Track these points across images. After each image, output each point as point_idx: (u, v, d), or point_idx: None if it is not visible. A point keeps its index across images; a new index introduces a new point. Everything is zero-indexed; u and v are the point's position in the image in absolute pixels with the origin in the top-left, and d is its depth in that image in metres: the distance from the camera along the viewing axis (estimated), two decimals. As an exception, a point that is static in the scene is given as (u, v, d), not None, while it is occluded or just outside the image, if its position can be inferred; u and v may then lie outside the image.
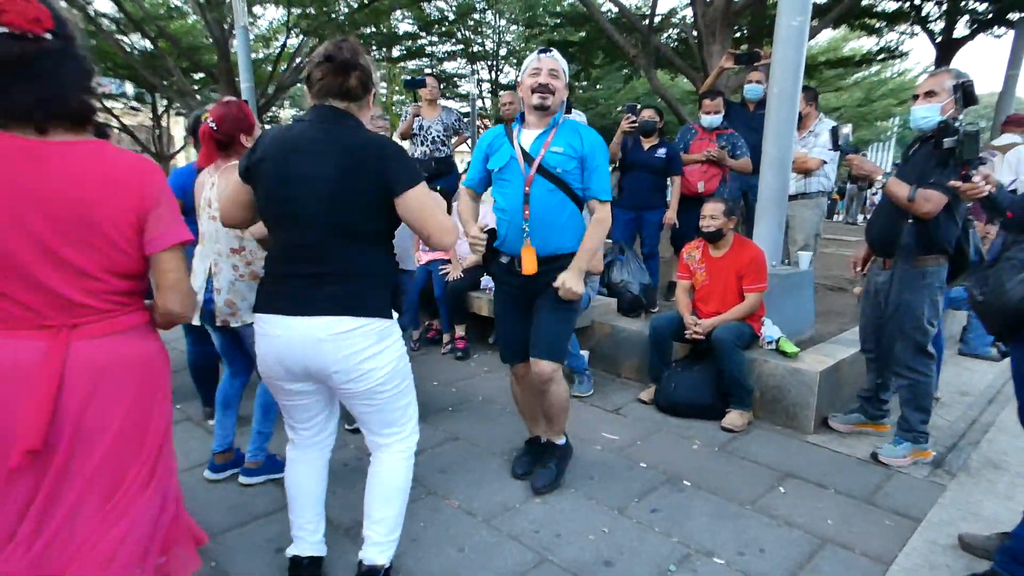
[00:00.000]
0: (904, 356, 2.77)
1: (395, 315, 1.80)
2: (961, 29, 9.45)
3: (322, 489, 1.99)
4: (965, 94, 2.50)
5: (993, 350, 4.42)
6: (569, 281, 2.21)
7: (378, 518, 1.87)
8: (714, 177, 4.46)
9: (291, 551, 1.95)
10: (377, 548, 1.87)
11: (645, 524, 2.32)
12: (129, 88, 15.58)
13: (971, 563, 2.07)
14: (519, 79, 2.37)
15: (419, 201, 1.69)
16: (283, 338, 1.69)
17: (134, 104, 15.99)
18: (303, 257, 1.69)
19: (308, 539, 1.94)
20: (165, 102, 16.04)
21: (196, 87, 13.04)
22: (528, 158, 2.30)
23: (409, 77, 5.23)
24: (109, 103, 15.30)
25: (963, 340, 4.65)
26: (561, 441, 2.64)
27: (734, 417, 3.16)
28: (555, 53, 2.30)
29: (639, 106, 4.43)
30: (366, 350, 1.70)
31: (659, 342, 3.46)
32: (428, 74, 5.00)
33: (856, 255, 3.14)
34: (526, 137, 2.35)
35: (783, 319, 3.46)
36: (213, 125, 2.24)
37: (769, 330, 3.38)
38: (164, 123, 16.68)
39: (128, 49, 11.32)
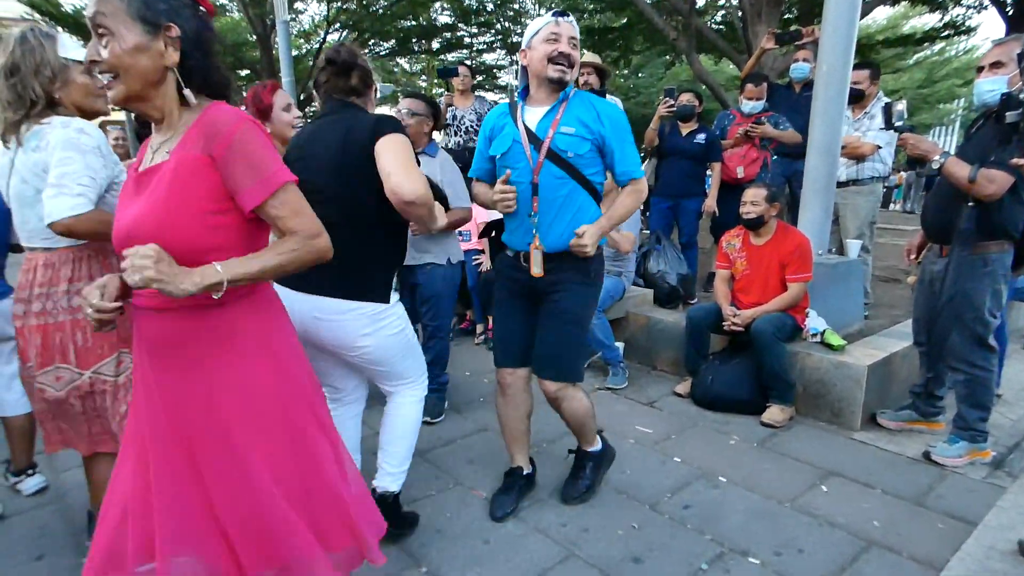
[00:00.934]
0: (962, 349, 2.59)
1: (395, 296, 1.89)
2: (1035, 0, 8.79)
3: (355, 443, 2.10)
4: None
5: (1063, 344, 4.12)
6: (588, 236, 1.96)
7: (392, 451, 2.05)
8: (754, 162, 4.28)
9: None
10: (390, 477, 2.05)
11: (677, 521, 2.24)
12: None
13: (1033, 572, 1.92)
14: (526, 45, 2.02)
15: (391, 144, 1.72)
16: (289, 310, 1.65)
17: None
18: None
19: None
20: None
21: (241, 84, 13.40)
22: (535, 140, 2.00)
23: (443, 67, 5.22)
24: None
25: (1030, 334, 4.34)
26: (596, 447, 2.39)
27: (774, 412, 3.03)
28: (572, 18, 2.00)
29: (677, 90, 4.29)
30: (359, 331, 1.79)
31: (696, 334, 3.34)
32: (461, 63, 4.96)
33: (911, 242, 2.95)
34: (531, 116, 2.03)
35: (829, 310, 3.30)
36: (243, 107, 2.29)
37: (814, 322, 3.22)
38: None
39: (177, 47, 11.70)
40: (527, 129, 2.02)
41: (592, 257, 2.07)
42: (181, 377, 1.22)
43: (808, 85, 4.13)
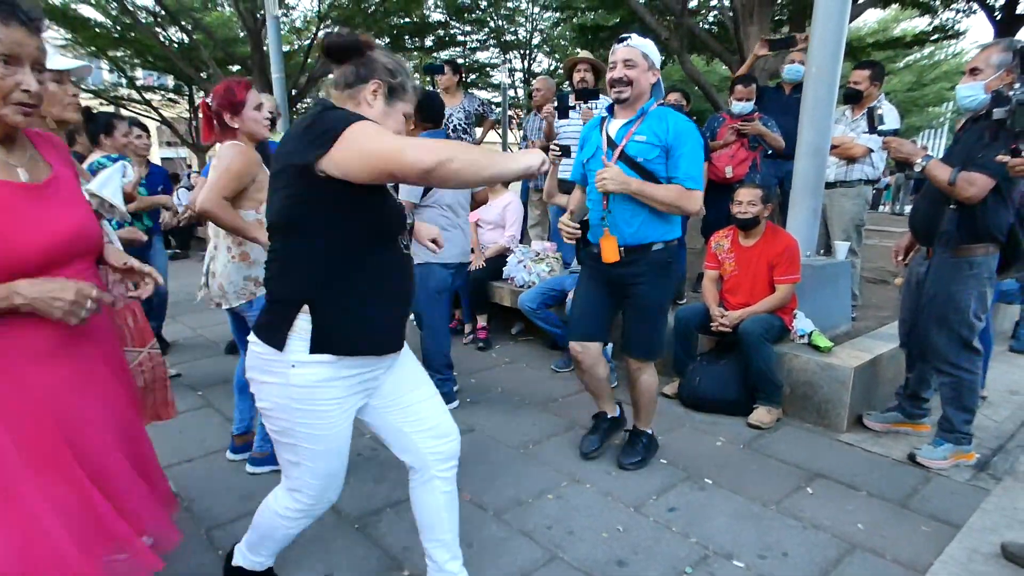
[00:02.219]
0: (948, 351, 2.59)
1: (296, 351, 1.37)
2: None
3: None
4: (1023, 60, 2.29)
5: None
6: (610, 172, 2.21)
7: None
8: (743, 162, 4.27)
9: None
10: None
11: (662, 523, 2.23)
12: (169, 81, 16.02)
13: (1014, 574, 1.92)
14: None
15: (354, 134, 1.26)
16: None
17: (172, 96, 16.43)
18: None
19: None
20: (202, 94, 16.41)
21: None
22: (612, 145, 2.32)
23: (430, 64, 5.20)
24: (148, 95, 15.74)
25: (1015, 336, 4.37)
26: (649, 430, 2.68)
27: (761, 413, 3.03)
28: (633, 39, 2.25)
29: (664, 89, 4.27)
30: (252, 370, 1.45)
31: (684, 334, 3.34)
32: (446, 62, 4.92)
33: (899, 244, 2.95)
34: (613, 126, 2.37)
35: (817, 312, 3.30)
36: (209, 101, 2.26)
37: (801, 323, 3.22)
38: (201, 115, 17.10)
39: (165, 42, 11.58)
40: (608, 137, 2.36)
41: (665, 251, 2.38)
42: None
43: (798, 87, 4.12)
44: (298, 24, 13.40)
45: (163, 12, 10.84)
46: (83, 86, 13.38)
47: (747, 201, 3.16)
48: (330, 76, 1.52)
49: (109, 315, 1.50)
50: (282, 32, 9.94)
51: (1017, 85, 2.31)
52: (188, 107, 16.69)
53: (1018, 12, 8.86)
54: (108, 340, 1.44)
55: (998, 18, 9.06)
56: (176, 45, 12.22)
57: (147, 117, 14.50)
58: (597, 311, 2.53)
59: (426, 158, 1.22)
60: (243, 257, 2.31)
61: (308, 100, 16.66)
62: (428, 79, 5.04)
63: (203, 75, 11.83)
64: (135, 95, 15.36)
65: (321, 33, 12.12)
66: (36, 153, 1.28)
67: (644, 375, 2.54)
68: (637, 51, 2.22)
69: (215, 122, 2.28)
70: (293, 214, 1.37)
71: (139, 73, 15.63)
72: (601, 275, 2.46)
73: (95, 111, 3.44)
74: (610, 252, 2.33)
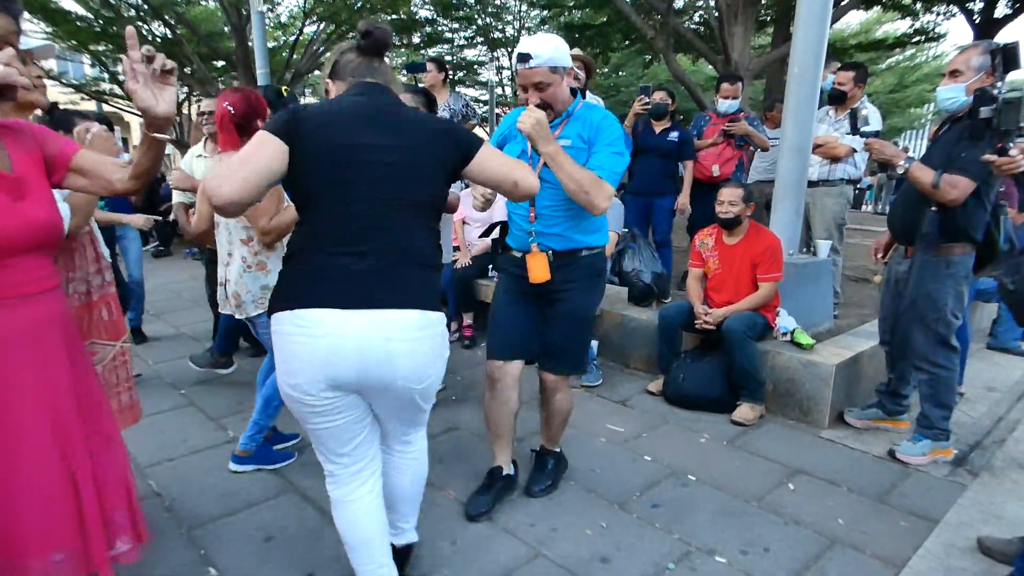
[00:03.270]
0: (925, 349, 2.63)
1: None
2: (1002, 8, 9.02)
3: (385, 527, 1.68)
4: (1005, 58, 2.32)
5: (1023, 344, 4.22)
6: (530, 117, 1.86)
7: (412, 509, 1.87)
8: (730, 161, 4.31)
9: None
10: (413, 531, 1.91)
11: (645, 520, 2.24)
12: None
13: (990, 568, 1.96)
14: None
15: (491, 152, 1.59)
16: (334, 338, 1.37)
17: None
18: (359, 236, 1.41)
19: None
20: (185, 90, 16.20)
21: (215, 75, 13.12)
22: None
23: (412, 62, 5.14)
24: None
25: (992, 334, 4.44)
26: (558, 449, 2.50)
27: (744, 410, 3.06)
28: (534, 53, 1.89)
29: (651, 87, 4.30)
30: (434, 351, 1.49)
31: (668, 331, 3.35)
32: (431, 59, 4.87)
33: (877, 242, 2.99)
34: None
35: (799, 310, 3.33)
36: (231, 109, 2.25)
37: (784, 321, 3.25)
38: (185, 111, 16.84)
39: (148, 36, 11.41)
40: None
41: (596, 257, 2.17)
42: None
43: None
44: (283, 19, 13.26)
45: (146, 6, 10.66)
46: (63, 80, 13.16)
47: (728, 201, 3.18)
48: (377, 63, 1.58)
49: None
50: (267, 27, 9.85)
51: (999, 84, 2.35)
52: (172, 103, 16.45)
53: (996, 16, 9.01)
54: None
55: (977, 21, 9.21)
56: (159, 40, 12.03)
57: (129, 112, 14.28)
58: (521, 323, 2.21)
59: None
60: (260, 267, 2.29)
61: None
62: (413, 78, 4.97)
63: (187, 70, 11.65)
64: (117, 90, 15.11)
65: (309, 28, 12.02)
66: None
67: (560, 394, 2.28)
68: (543, 69, 1.91)
69: (241, 130, 2.28)
70: (441, 199, 1.56)
71: (121, 68, 15.38)
72: (522, 284, 2.17)
73: (61, 107, 3.33)
74: (539, 271, 2.09)
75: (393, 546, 1.73)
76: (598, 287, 2.26)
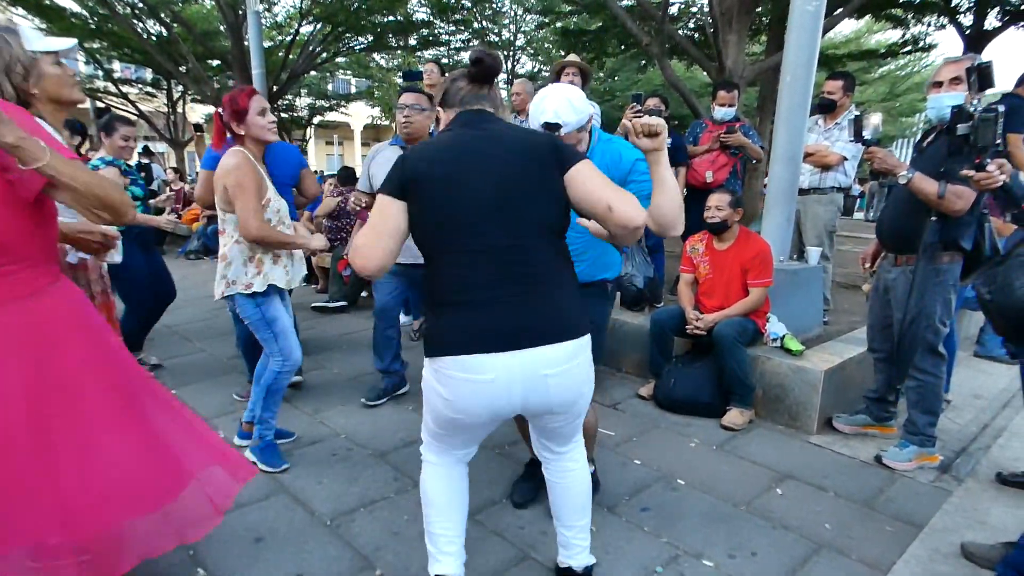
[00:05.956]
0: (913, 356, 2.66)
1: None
2: (992, 21, 9.13)
3: (465, 496, 1.83)
4: (981, 77, 2.37)
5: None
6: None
7: (581, 525, 1.83)
8: (723, 167, 4.34)
9: (438, 570, 1.75)
10: (585, 552, 1.85)
11: (634, 523, 2.25)
12: (148, 74, 15.72)
13: (973, 573, 1.98)
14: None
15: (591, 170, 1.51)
16: (499, 381, 1.45)
17: (149, 90, 16.13)
18: (498, 274, 1.47)
19: (457, 556, 1.76)
20: (180, 88, 16.11)
21: (211, 74, 13.08)
22: None
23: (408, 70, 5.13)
24: (125, 88, 15.43)
25: (979, 342, 4.50)
26: (593, 468, 2.43)
27: (734, 415, 3.08)
28: (565, 126, 1.89)
29: (644, 94, 4.32)
30: (584, 373, 1.56)
31: (660, 336, 3.38)
32: (431, 61, 4.87)
33: (866, 251, 3.02)
34: None
35: (789, 316, 3.36)
36: (219, 110, 2.37)
37: (774, 327, 3.28)
38: (179, 109, 16.80)
39: (143, 35, 11.36)
40: None
41: (606, 282, 2.25)
42: None
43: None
44: (279, 20, 13.25)
45: (141, 4, 10.63)
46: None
47: (715, 206, 3.22)
48: (486, 90, 1.62)
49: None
50: (263, 27, 9.84)
51: (975, 101, 2.40)
52: (166, 101, 16.40)
53: (986, 28, 9.13)
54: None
55: (968, 33, 9.32)
56: (154, 38, 11.99)
57: (124, 111, 14.21)
58: None
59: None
60: (223, 258, 2.44)
61: (288, 97, 16.47)
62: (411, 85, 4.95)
63: (182, 69, 11.62)
64: (112, 87, 15.05)
65: (305, 28, 11.99)
66: None
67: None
68: (573, 133, 1.93)
69: (227, 130, 2.38)
70: (562, 215, 1.55)
71: (116, 66, 15.29)
72: None
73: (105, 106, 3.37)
74: None
75: (572, 569, 1.82)
76: (611, 299, 2.39)
